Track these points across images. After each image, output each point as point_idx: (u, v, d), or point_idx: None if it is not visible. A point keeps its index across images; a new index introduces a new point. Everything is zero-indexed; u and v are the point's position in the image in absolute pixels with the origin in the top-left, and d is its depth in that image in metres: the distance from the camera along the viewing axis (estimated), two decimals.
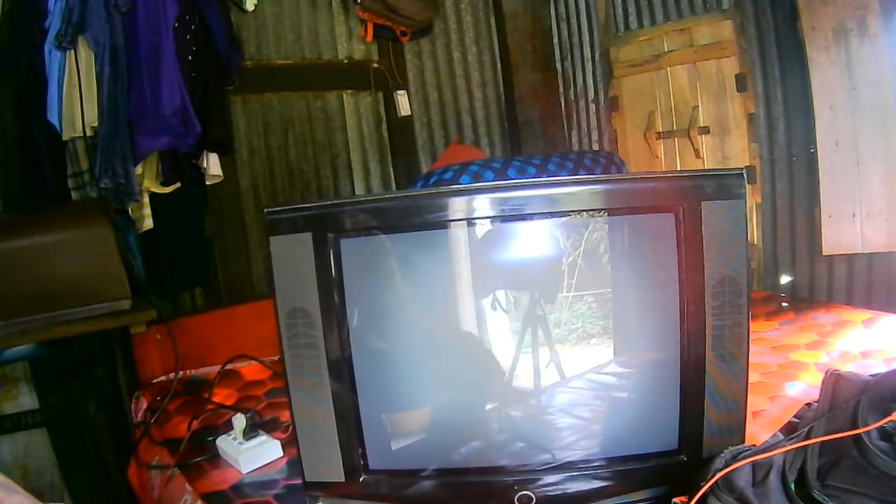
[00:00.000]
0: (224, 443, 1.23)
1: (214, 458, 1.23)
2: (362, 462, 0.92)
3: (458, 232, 0.88)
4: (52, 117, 1.89)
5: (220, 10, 2.24)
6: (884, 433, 0.72)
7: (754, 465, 0.75)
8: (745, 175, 0.84)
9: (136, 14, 1.96)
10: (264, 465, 1.19)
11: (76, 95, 1.89)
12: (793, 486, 0.71)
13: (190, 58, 2.10)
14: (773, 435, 0.89)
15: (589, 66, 2.80)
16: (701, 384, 0.86)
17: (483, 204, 0.85)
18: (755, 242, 2.31)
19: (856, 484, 0.68)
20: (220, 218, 2.44)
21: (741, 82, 2.25)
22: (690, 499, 0.73)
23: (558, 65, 2.94)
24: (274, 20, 2.58)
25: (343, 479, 0.92)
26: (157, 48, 1.98)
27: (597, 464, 0.91)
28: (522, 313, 0.90)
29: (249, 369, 1.71)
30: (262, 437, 1.22)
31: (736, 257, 0.84)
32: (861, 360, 1.35)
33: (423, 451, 0.95)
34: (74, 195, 1.96)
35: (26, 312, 1.52)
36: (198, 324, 1.92)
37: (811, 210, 2.13)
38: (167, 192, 2.11)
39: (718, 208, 0.83)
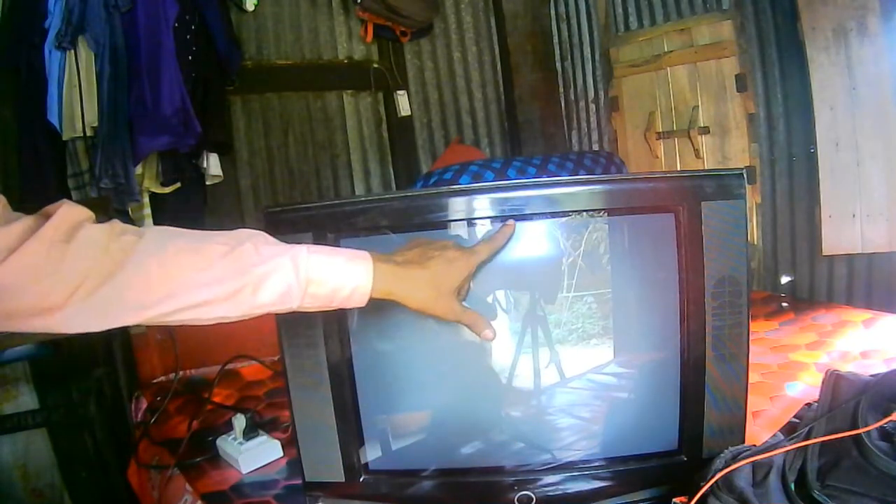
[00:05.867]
0: (224, 443, 1.23)
1: (214, 458, 1.23)
2: (362, 462, 0.92)
3: (459, 232, 0.88)
4: (52, 117, 1.89)
5: (220, 10, 2.24)
6: (884, 433, 0.72)
7: (754, 465, 0.75)
8: (745, 175, 0.84)
9: (136, 14, 1.96)
10: (264, 465, 1.19)
11: (76, 95, 1.90)
12: (793, 486, 0.71)
13: (190, 58, 2.10)
14: (773, 435, 0.89)
15: (589, 66, 2.80)
16: (701, 384, 0.86)
17: (483, 204, 0.85)
18: (755, 242, 2.31)
19: (856, 484, 0.68)
20: (220, 218, 2.44)
21: (741, 82, 2.25)
22: (690, 499, 0.73)
23: (558, 65, 2.94)
24: (274, 20, 2.58)
25: (343, 479, 0.92)
26: (157, 48, 1.98)
27: (597, 464, 0.91)
28: (522, 314, 0.90)
29: (249, 369, 1.70)
30: (262, 437, 1.21)
31: (736, 257, 0.83)
32: (861, 360, 1.34)
33: (423, 451, 0.95)
34: (74, 195, 1.96)
35: None
36: None
37: (811, 210, 2.13)
38: (167, 192, 2.12)
39: (718, 208, 0.83)
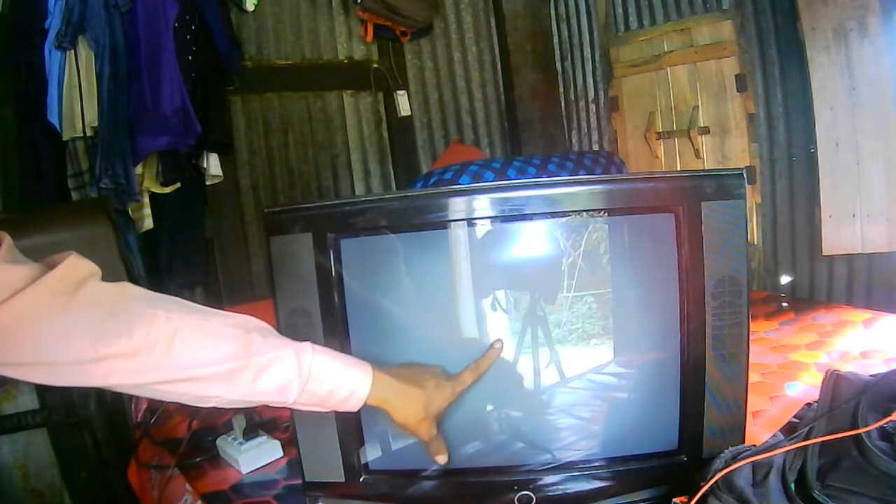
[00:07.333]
0: (224, 443, 1.23)
1: (214, 458, 1.23)
2: (362, 462, 0.92)
3: (458, 232, 0.88)
4: (52, 117, 1.89)
5: (220, 10, 2.24)
6: (884, 433, 0.72)
7: (754, 465, 0.75)
8: (745, 175, 0.84)
9: (136, 14, 1.96)
10: (264, 465, 1.19)
11: (76, 95, 1.90)
12: (793, 486, 0.71)
13: (190, 58, 2.10)
14: (773, 435, 0.89)
15: (589, 66, 2.81)
16: (701, 384, 0.86)
17: (483, 204, 0.85)
18: (755, 242, 2.31)
19: (856, 484, 0.68)
20: (220, 218, 2.44)
21: (741, 82, 2.26)
22: (690, 499, 0.73)
23: (558, 65, 2.95)
24: (274, 20, 2.58)
25: (343, 479, 0.92)
26: (157, 48, 1.98)
27: (597, 464, 0.91)
28: (522, 314, 0.90)
29: None
30: (262, 437, 1.21)
31: (736, 257, 0.83)
32: (861, 360, 1.34)
33: (423, 451, 0.95)
34: (74, 195, 1.96)
35: None
36: None
37: (811, 210, 2.14)
38: (167, 192, 2.12)
39: (718, 208, 0.82)
